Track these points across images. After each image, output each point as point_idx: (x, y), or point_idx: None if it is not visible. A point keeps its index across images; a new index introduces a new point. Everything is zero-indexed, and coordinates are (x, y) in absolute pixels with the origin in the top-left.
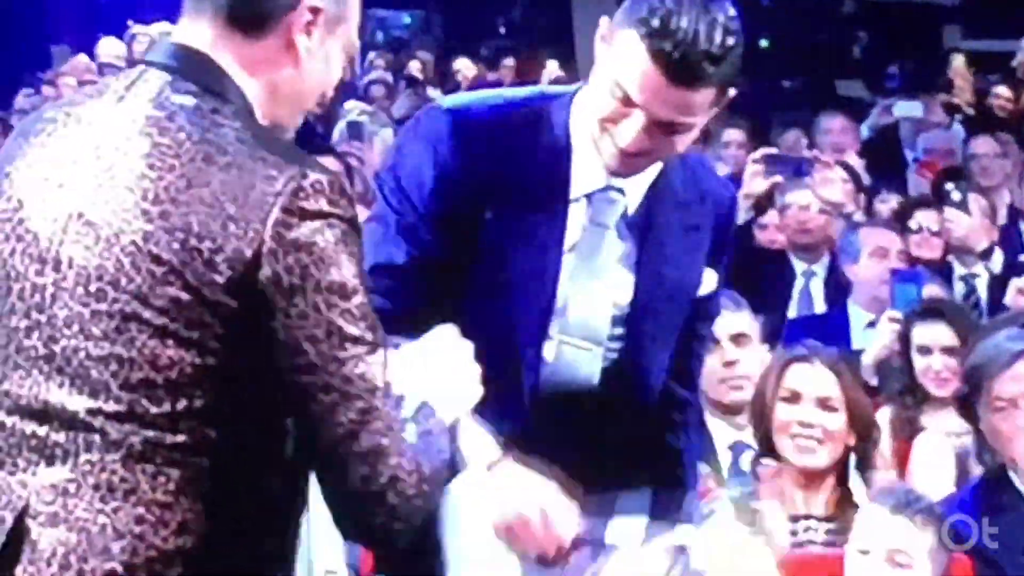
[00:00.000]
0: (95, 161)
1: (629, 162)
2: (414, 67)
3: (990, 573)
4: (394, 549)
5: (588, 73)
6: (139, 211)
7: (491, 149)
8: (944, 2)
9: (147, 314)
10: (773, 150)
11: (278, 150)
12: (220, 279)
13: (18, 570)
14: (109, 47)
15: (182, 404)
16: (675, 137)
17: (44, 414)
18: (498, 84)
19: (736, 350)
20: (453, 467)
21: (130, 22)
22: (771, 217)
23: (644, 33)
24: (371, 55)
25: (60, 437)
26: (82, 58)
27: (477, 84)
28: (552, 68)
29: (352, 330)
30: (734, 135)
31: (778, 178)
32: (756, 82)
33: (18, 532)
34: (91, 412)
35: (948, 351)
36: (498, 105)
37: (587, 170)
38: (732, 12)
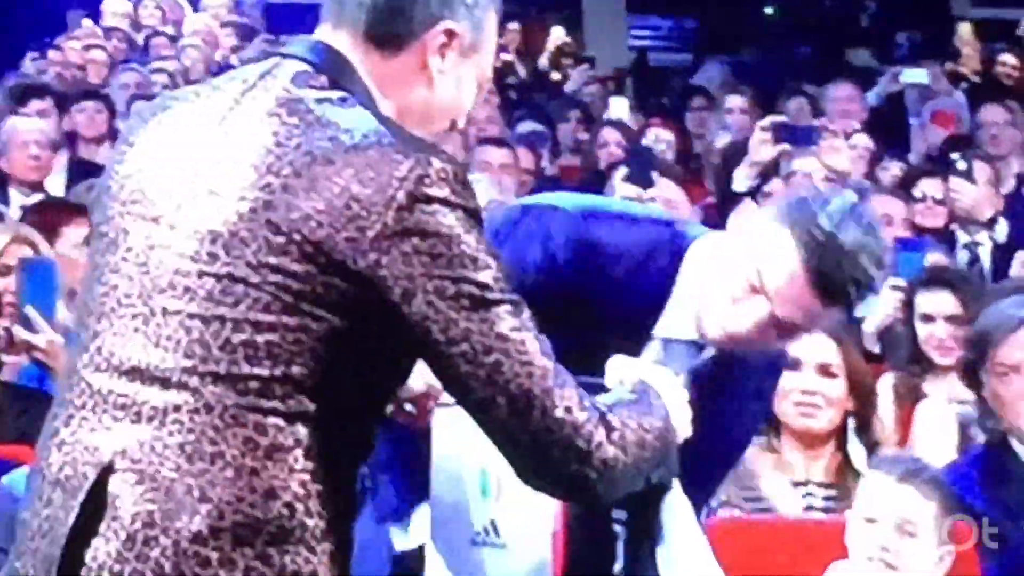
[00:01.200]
0: (222, 137)
1: (727, 343)
2: None
3: (992, 540)
4: (594, 498)
5: (594, 40)
6: (263, 183)
7: (600, 263)
8: None
9: (256, 279)
10: (781, 118)
11: (406, 137)
12: (337, 256)
13: (101, 527)
14: (114, 5)
15: (279, 370)
16: (783, 335)
17: (136, 372)
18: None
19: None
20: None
21: None
22: (775, 185)
23: (802, 241)
24: None
25: (151, 396)
26: (87, 23)
27: None
28: (558, 34)
29: (493, 294)
30: (736, 101)
31: (786, 146)
32: (763, 50)
33: (100, 489)
34: (186, 371)
35: (952, 319)
36: (623, 223)
37: (679, 317)
38: (886, 244)
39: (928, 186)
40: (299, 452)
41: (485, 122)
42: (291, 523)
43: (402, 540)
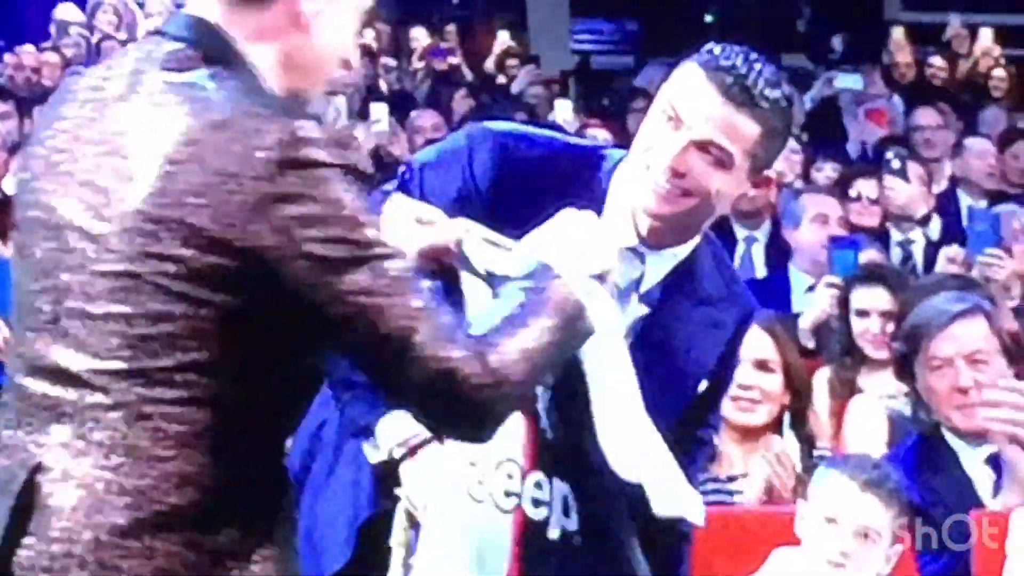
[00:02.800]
0: (102, 130)
1: (659, 227)
2: (369, 36)
3: (925, 529)
4: (486, 431)
5: (539, 42)
6: (140, 173)
7: (524, 184)
8: None
9: (145, 271)
10: None
11: (273, 106)
12: (216, 235)
13: (31, 526)
14: (66, 12)
15: (180, 358)
16: (712, 177)
17: (54, 374)
18: (450, 52)
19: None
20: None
21: None
22: None
23: (704, 61)
24: None
25: (68, 396)
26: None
27: (430, 53)
28: (504, 38)
29: (369, 251)
30: None
31: None
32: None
33: (31, 489)
34: (93, 371)
35: (885, 315)
36: (547, 143)
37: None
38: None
39: (863, 186)
40: (211, 437)
41: (431, 129)
42: (211, 506)
43: (374, 454)
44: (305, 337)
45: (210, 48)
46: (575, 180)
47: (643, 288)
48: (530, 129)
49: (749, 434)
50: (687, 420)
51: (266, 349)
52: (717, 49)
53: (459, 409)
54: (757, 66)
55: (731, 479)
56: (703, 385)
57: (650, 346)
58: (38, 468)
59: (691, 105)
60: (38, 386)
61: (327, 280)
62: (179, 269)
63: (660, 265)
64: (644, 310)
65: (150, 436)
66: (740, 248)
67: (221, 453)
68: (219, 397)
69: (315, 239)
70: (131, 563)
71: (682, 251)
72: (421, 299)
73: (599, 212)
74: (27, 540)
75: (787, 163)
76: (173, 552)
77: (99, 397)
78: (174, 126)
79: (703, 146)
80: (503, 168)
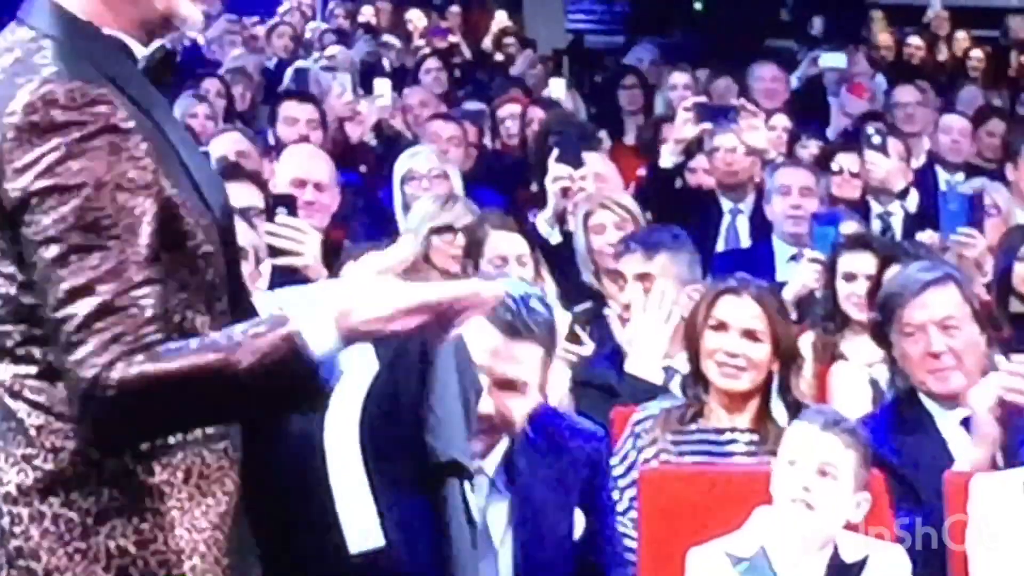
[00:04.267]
0: None
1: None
2: (367, 13)
3: (901, 488)
4: (107, 446)
5: (534, 23)
6: None
7: None
8: None
9: None
10: (702, 99)
11: (38, 69)
12: None
13: None
14: None
15: (19, 335)
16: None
17: None
18: (450, 31)
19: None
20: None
21: None
22: (700, 161)
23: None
24: (331, 5)
25: None
26: None
27: (430, 32)
28: (501, 18)
29: (83, 219)
30: (680, 78)
31: (707, 125)
32: (690, 32)
33: None
34: None
35: (871, 278)
36: None
37: None
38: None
39: (845, 160)
40: (66, 407)
41: (419, 105)
42: (81, 469)
43: None
44: None
45: (28, 15)
46: None
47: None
48: None
49: (736, 397)
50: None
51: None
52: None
53: (78, 395)
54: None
55: (719, 431)
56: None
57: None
58: None
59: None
60: None
61: (37, 239)
62: None
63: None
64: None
65: (27, 409)
66: (726, 220)
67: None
68: (59, 370)
69: (40, 203)
70: (22, 527)
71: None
72: (96, 283)
73: None
74: None
75: (772, 141)
76: (58, 513)
77: None
78: None
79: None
80: None
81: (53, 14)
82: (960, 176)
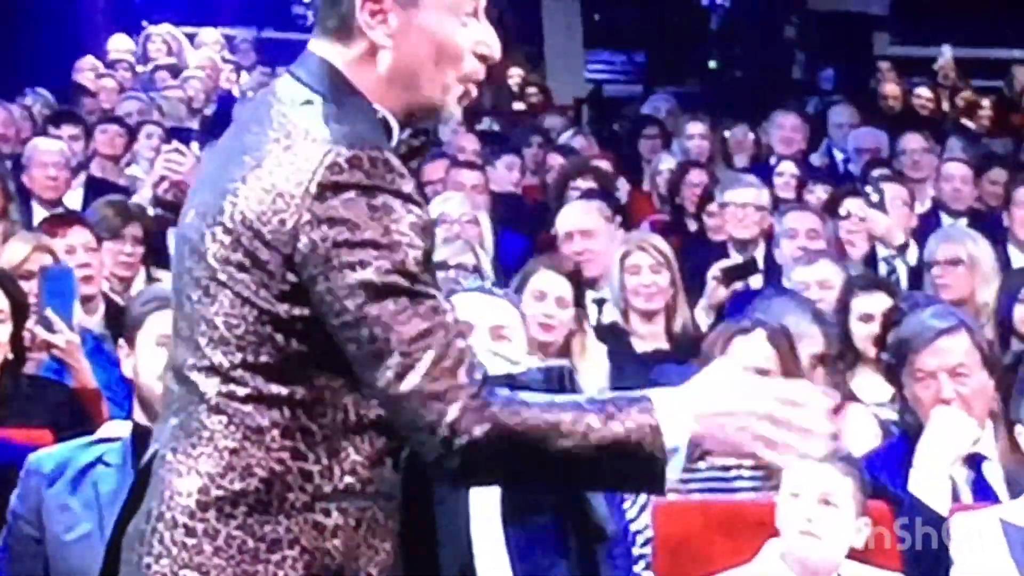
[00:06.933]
0: (219, 157)
1: None
2: None
3: (907, 518)
4: (449, 473)
5: (555, 73)
6: (227, 191)
7: None
8: (874, 12)
9: (222, 277)
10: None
11: (336, 130)
12: (269, 248)
13: (143, 505)
14: (119, 43)
15: (247, 359)
16: None
17: (174, 372)
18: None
19: None
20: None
21: (145, 23)
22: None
23: None
24: None
25: (177, 391)
26: (88, 59)
27: None
28: (522, 68)
29: (388, 279)
30: (696, 128)
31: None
32: (706, 82)
33: (146, 472)
34: (190, 367)
35: (887, 316)
36: None
37: None
38: None
39: (852, 205)
40: (272, 434)
41: (459, 148)
42: (265, 497)
43: None
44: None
45: (312, 79)
46: None
47: None
48: None
49: None
50: None
51: (317, 358)
52: None
53: (424, 443)
54: None
55: (725, 468)
56: None
57: None
58: (155, 455)
59: None
60: (169, 382)
61: (338, 303)
62: (244, 277)
63: None
64: None
65: (223, 428)
66: None
67: (283, 450)
68: (281, 397)
69: (337, 263)
70: (195, 540)
71: None
72: (425, 333)
73: None
74: (135, 519)
75: (782, 188)
76: (232, 535)
77: (192, 392)
78: (260, 151)
79: None
80: None
81: (333, 80)
82: (963, 222)
